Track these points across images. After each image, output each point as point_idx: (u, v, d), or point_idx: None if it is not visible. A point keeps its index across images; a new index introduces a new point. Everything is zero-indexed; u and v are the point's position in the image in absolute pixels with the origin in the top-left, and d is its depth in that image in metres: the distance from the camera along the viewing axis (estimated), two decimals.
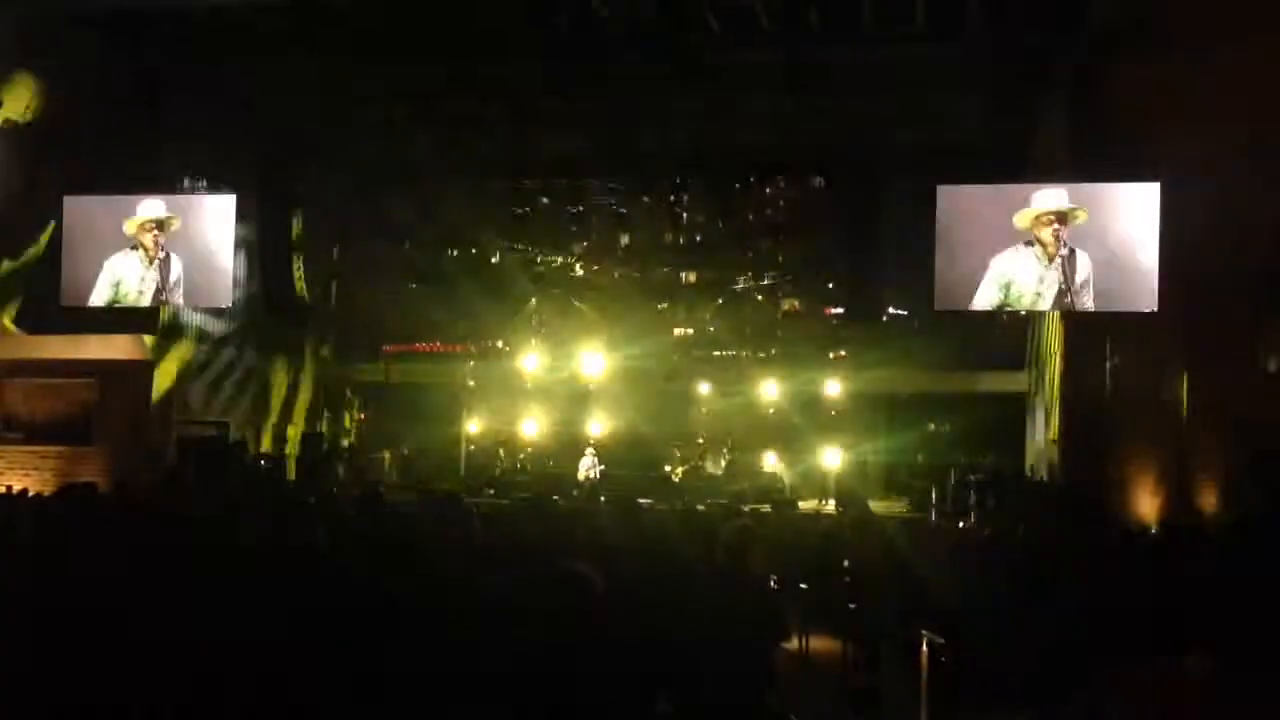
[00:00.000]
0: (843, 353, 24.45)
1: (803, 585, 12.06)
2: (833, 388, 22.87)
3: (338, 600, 4.53)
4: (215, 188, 16.93)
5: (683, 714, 4.95)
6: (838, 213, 22.01)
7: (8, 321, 16.97)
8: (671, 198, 22.13)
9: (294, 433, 22.22)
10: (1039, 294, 14.17)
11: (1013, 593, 7.53)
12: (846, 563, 10.75)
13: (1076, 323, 16.25)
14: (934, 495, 18.71)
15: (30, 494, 11.45)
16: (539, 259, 26.32)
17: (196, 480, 17.45)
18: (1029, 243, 14.19)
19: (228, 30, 16.47)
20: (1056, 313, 17.33)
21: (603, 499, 17.75)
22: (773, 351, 25.39)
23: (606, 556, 6.06)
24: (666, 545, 7.56)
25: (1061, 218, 14.06)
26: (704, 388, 24.20)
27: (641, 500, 13.82)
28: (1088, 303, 14.14)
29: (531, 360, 23.96)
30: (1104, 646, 7.60)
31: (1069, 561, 8.72)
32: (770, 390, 23.39)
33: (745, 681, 5.15)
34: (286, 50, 16.76)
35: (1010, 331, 22.79)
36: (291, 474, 20.63)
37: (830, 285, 25.80)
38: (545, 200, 22.01)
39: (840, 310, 24.48)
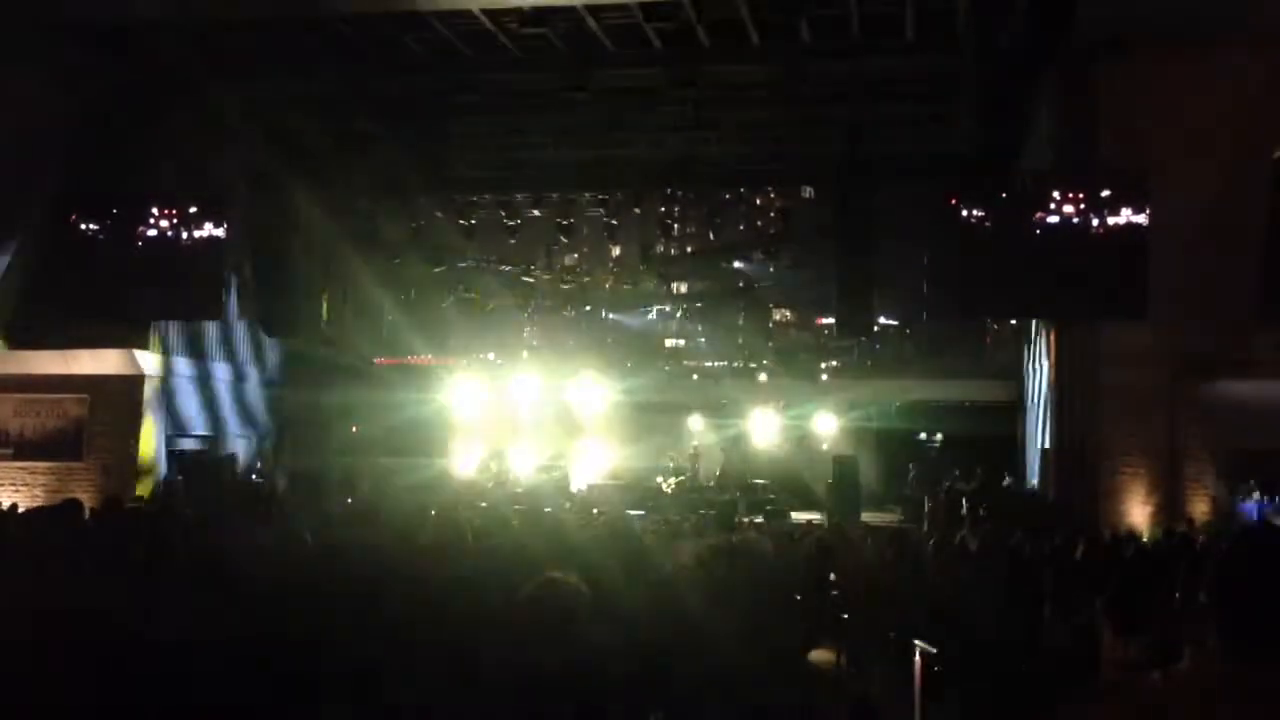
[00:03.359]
0: (834, 363, 24.49)
1: (797, 596, 12.07)
2: (824, 398, 22.88)
3: (323, 610, 4.53)
4: (208, 202, 16.90)
5: None
6: (828, 223, 22.06)
7: None
8: (662, 209, 22.16)
9: (285, 446, 22.14)
10: None
11: (1005, 602, 7.54)
12: (837, 574, 10.74)
13: (1067, 332, 16.28)
14: (926, 505, 18.70)
15: (20, 509, 11.40)
16: (530, 273, 26.39)
17: (189, 495, 17.40)
18: None
19: (222, 47, 16.49)
20: (1047, 321, 17.38)
21: (595, 511, 17.72)
22: (764, 362, 25.42)
23: (597, 568, 6.05)
24: (656, 558, 7.53)
25: None
26: (696, 400, 24.18)
27: (633, 511, 13.85)
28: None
29: (524, 374, 23.98)
30: (1097, 654, 7.62)
31: (1060, 571, 8.74)
32: (762, 401, 23.39)
33: (739, 692, 5.15)
34: (279, 68, 16.78)
35: (1002, 341, 22.86)
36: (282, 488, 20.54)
37: (820, 295, 25.85)
38: (536, 213, 22.01)
39: (831, 320, 24.52)
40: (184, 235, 16.61)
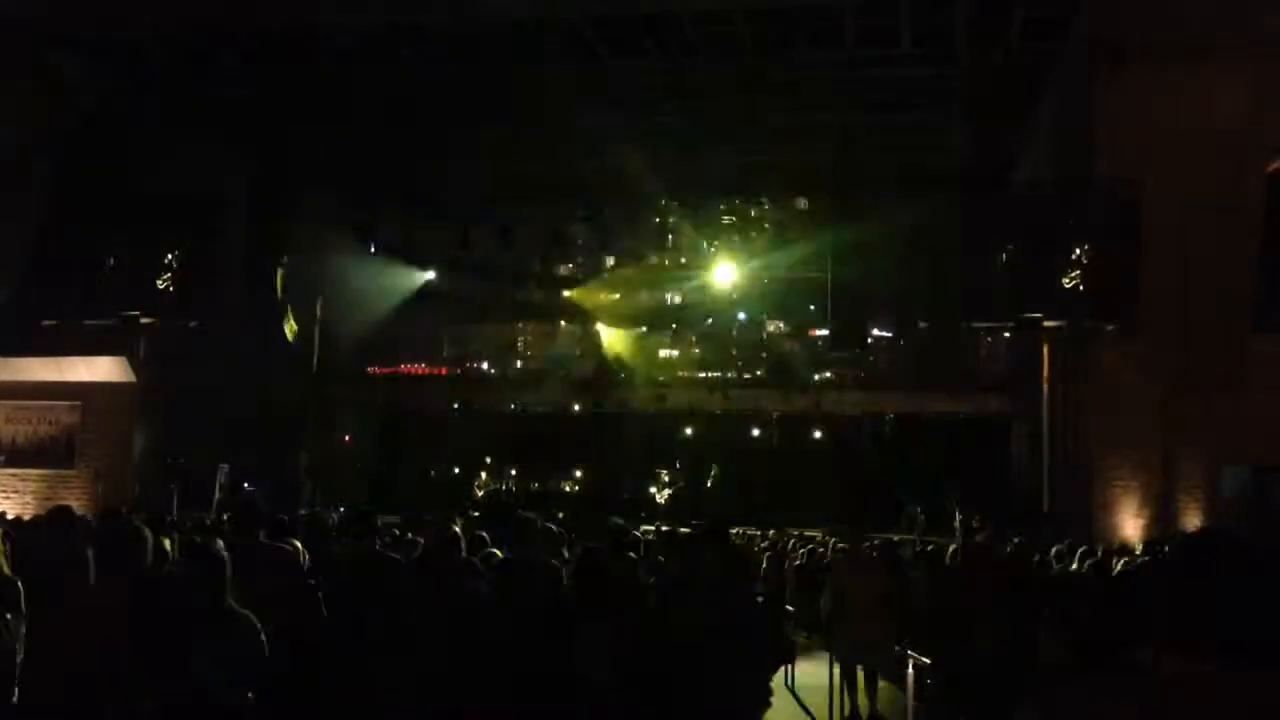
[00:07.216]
0: (828, 374, 24.49)
1: (790, 607, 12.06)
2: (817, 409, 22.86)
3: (332, 612, 4.55)
4: (204, 209, 16.84)
5: None
6: (821, 232, 22.07)
7: None
8: (656, 219, 22.17)
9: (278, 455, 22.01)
10: None
11: (998, 613, 7.51)
12: (833, 585, 10.71)
13: (1059, 343, 16.29)
14: (920, 518, 18.70)
15: (10, 517, 11.35)
16: (526, 282, 26.37)
17: (180, 505, 17.31)
18: None
19: (220, 53, 16.49)
20: (1041, 334, 17.39)
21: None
22: (758, 373, 25.41)
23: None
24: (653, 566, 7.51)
25: None
26: (690, 410, 24.16)
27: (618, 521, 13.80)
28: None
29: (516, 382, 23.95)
30: (1090, 663, 7.59)
31: (1051, 581, 8.72)
32: (756, 412, 23.39)
33: (741, 700, 5.14)
34: (277, 74, 16.78)
35: (994, 353, 22.87)
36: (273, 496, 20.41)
37: (814, 307, 25.86)
38: (532, 222, 21.99)
39: (824, 332, 24.54)
40: (180, 242, 16.54)
